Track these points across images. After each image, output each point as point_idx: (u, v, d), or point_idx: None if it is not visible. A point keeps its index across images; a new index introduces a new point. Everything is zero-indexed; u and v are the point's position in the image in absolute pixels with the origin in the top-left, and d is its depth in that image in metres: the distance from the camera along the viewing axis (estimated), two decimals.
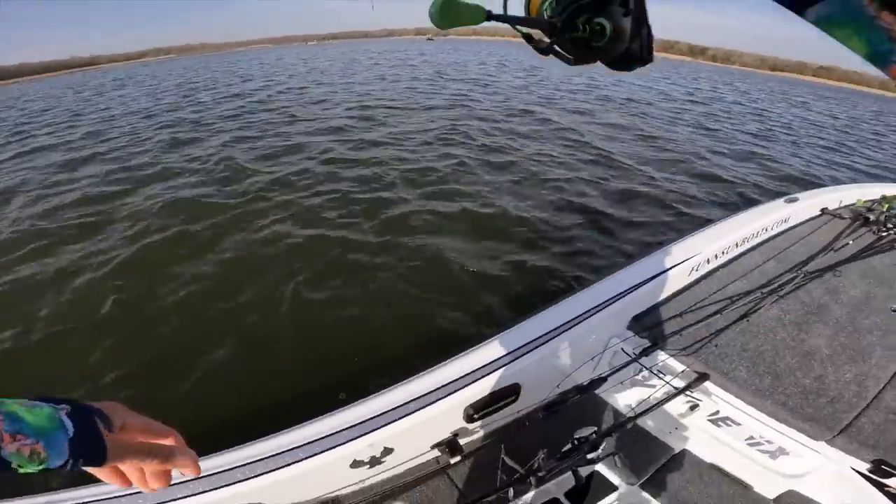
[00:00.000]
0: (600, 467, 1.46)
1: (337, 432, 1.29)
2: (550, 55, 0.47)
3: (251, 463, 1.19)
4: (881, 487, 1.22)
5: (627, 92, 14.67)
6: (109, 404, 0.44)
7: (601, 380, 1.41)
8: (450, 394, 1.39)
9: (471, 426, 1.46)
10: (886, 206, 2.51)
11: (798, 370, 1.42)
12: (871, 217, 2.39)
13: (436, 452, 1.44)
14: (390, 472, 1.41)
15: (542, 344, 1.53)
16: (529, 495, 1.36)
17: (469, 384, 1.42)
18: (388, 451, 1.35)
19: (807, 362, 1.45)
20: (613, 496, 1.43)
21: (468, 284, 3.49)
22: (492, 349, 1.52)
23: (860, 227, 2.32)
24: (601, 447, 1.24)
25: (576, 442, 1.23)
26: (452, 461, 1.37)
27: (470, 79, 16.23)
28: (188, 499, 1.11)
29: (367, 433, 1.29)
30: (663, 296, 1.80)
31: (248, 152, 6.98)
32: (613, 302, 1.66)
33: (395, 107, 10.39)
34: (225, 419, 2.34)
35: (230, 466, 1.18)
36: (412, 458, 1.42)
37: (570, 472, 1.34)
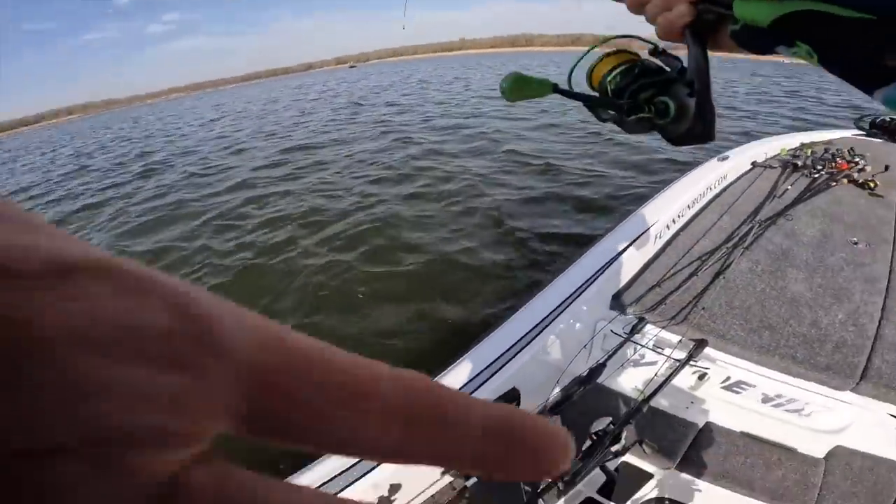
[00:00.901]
0: (629, 458, 1.37)
1: (331, 479, 1.11)
2: (608, 122, 0.48)
3: None
4: None
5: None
6: None
7: (600, 367, 1.33)
8: None
9: None
10: (809, 150, 2.72)
11: (791, 319, 1.41)
12: (799, 163, 2.55)
13: (448, 478, 1.30)
14: None
15: (530, 342, 1.44)
16: (561, 501, 1.24)
17: None
18: (395, 488, 1.19)
19: (795, 310, 1.46)
20: (652, 483, 1.35)
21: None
22: (479, 357, 1.40)
23: (792, 174, 2.46)
24: (623, 437, 1.14)
25: (594, 437, 1.13)
26: (468, 483, 1.24)
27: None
28: None
29: (367, 473, 1.12)
30: (636, 269, 1.77)
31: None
32: (589, 285, 1.61)
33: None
34: None
35: None
36: (424, 491, 1.28)
37: (597, 470, 1.24)
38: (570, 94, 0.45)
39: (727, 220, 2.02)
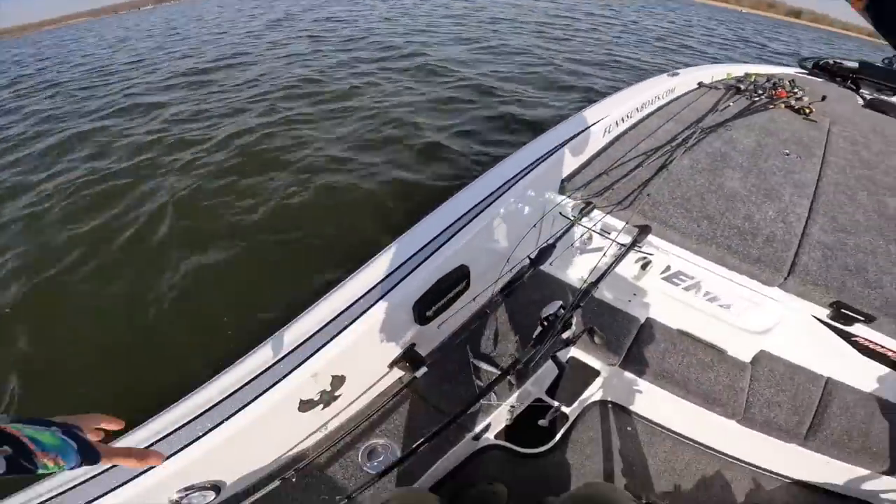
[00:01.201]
0: (576, 352, 1.40)
1: (263, 372, 1.02)
2: None
3: (169, 434, 0.94)
4: (848, 338, 1.28)
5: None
6: (77, 417, 0.55)
7: (550, 248, 1.32)
8: (392, 288, 1.16)
9: (426, 329, 1.29)
10: (753, 77, 2.80)
11: (727, 212, 1.46)
12: (742, 87, 2.65)
13: (397, 372, 1.26)
14: (352, 409, 1.21)
15: (477, 216, 1.37)
16: (514, 396, 1.26)
17: (411, 272, 1.20)
18: (339, 380, 1.12)
19: (731, 204, 1.51)
20: (598, 383, 1.38)
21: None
22: (426, 229, 1.32)
23: (735, 95, 2.51)
24: (573, 324, 1.14)
25: (545, 322, 1.10)
26: (417, 374, 1.19)
27: None
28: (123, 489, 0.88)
29: (304, 361, 1.04)
30: (584, 158, 1.77)
31: None
32: (539, 164, 1.57)
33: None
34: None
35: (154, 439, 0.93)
36: (371, 386, 1.23)
37: (548, 363, 1.26)
38: None
39: (671, 125, 2.05)
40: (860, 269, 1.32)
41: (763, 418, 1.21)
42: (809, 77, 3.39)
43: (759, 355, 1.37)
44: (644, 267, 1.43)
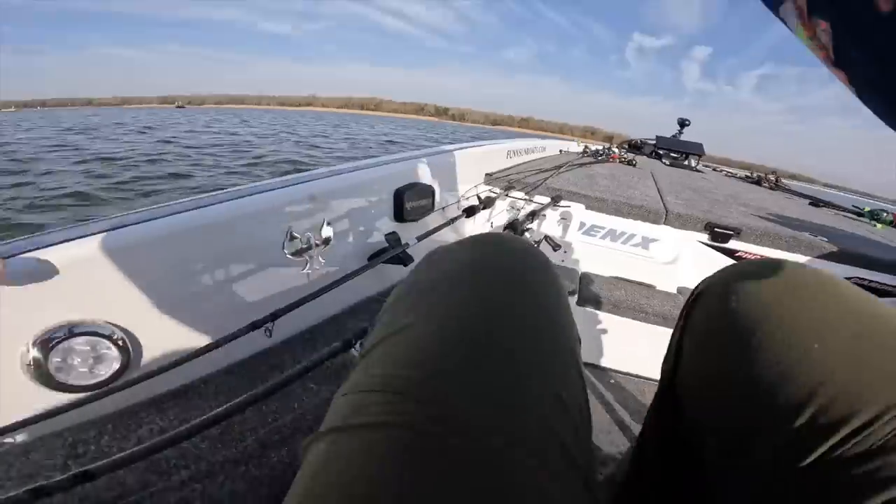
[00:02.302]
0: None
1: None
2: None
3: None
4: (731, 254, 1.64)
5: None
6: None
7: (476, 207, 1.53)
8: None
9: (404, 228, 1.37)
10: (593, 147, 3.75)
11: (609, 193, 1.86)
12: (589, 151, 3.60)
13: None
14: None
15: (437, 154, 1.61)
16: None
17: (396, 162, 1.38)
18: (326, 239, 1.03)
19: (609, 191, 1.92)
20: None
21: None
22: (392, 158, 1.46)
23: (585, 156, 3.32)
24: None
25: None
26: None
27: None
28: None
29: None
30: (499, 165, 2.15)
31: None
32: (469, 149, 1.88)
33: None
34: None
35: None
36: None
37: None
38: None
39: (548, 164, 2.56)
40: (712, 210, 1.79)
41: None
42: (626, 152, 4.69)
43: (681, 289, 1.64)
44: (565, 220, 1.71)
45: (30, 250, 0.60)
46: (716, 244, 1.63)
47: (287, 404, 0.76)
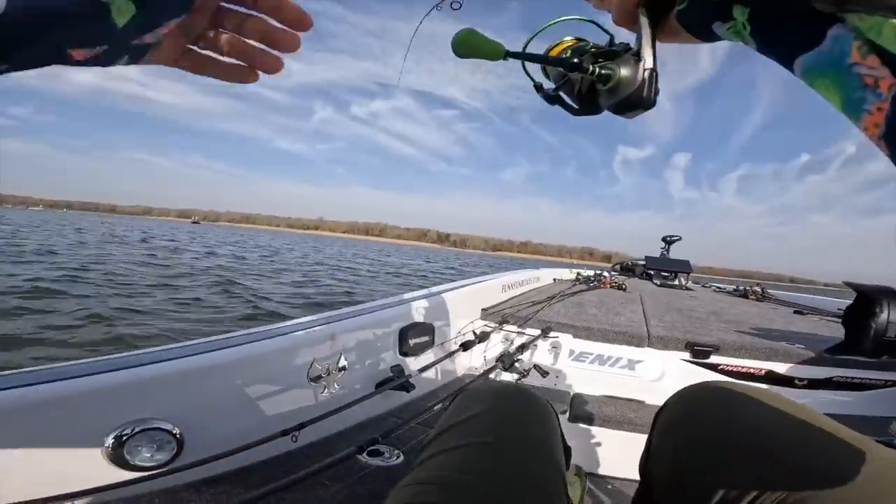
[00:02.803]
0: None
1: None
2: (556, 105, 0.50)
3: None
4: (714, 368, 1.74)
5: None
6: None
7: (473, 342, 1.73)
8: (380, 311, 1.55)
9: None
10: (586, 273, 4.04)
11: (596, 321, 2.02)
12: (581, 278, 3.84)
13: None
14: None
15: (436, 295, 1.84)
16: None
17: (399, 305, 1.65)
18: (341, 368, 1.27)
19: (596, 318, 2.10)
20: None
21: None
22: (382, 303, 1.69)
23: (577, 283, 3.57)
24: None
25: None
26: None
27: None
28: None
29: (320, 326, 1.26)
30: (494, 301, 2.33)
31: None
32: (466, 287, 2.12)
33: None
34: None
35: None
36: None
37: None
38: (520, 56, 0.46)
39: (543, 294, 2.78)
40: (692, 329, 1.91)
41: None
42: (619, 275, 4.97)
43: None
44: (555, 347, 1.83)
45: (114, 369, 0.85)
46: (697, 360, 1.76)
47: (305, 496, 0.92)
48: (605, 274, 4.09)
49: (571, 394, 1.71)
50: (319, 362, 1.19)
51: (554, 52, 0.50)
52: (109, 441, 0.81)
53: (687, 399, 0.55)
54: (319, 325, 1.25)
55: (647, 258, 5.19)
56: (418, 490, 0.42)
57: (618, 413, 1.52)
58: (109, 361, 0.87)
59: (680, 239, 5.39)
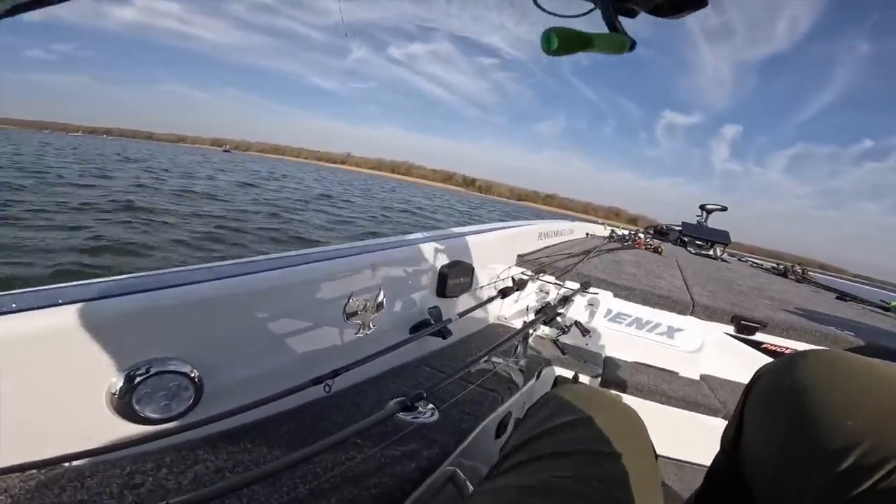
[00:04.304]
0: (559, 370, 1.54)
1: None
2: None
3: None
4: (758, 346, 1.67)
5: None
6: None
7: (510, 289, 1.58)
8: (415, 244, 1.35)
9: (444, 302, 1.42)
10: (620, 231, 3.91)
11: (636, 282, 1.92)
12: (615, 236, 3.74)
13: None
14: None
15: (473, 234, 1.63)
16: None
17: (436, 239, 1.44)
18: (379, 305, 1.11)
19: (636, 279, 2.00)
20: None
21: None
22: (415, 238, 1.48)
23: (611, 241, 3.49)
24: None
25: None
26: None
27: None
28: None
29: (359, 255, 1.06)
30: (530, 248, 2.23)
31: None
32: (503, 230, 1.95)
33: None
34: None
35: None
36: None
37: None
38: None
39: (578, 248, 2.70)
40: (738, 303, 1.83)
41: None
42: (652, 239, 4.80)
43: (704, 376, 1.63)
44: (592, 306, 1.75)
45: (126, 293, 0.67)
46: (741, 336, 1.68)
47: (337, 458, 0.79)
48: (640, 235, 3.97)
49: (604, 356, 1.66)
50: (357, 296, 1.03)
51: None
52: (117, 386, 0.64)
53: (797, 366, 0.49)
54: (359, 254, 1.10)
55: (683, 224, 4.97)
56: (530, 494, 0.43)
57: (650, 382, 1.47)
58: (118, 284, 0.69)
59: (724, 209, 5.10)
